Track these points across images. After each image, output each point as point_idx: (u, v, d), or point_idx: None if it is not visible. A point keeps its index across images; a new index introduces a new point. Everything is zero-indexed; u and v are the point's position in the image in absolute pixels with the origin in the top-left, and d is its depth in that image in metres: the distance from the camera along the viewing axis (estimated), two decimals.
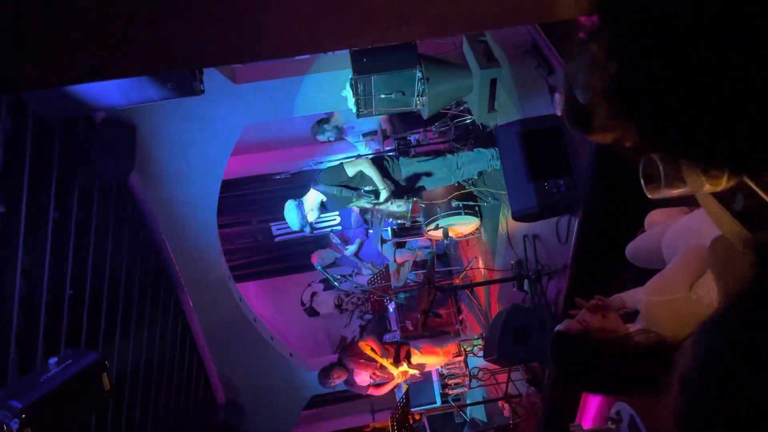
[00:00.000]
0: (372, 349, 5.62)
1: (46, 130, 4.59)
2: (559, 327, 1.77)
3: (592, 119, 0.90)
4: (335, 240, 8.61)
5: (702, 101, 0.72)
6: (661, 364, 1.48)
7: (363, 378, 5.62)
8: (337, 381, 5.58)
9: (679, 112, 0.74)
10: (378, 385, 5.71)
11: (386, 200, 4.80)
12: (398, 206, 4.92)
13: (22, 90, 3.72)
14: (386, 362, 5.64)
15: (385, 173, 4.84)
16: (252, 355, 7.52)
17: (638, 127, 0.81)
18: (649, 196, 1.08)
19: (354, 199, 4.87)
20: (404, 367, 5.76)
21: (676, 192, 0.99)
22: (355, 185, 4.80)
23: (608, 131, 0.92)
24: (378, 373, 5.64)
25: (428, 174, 5.00)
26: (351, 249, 8.43)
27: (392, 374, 5.69)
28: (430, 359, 5.94)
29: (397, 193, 4.92)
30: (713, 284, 1.67)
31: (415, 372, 5.85)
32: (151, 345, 6.08)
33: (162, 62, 1.97)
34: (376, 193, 4.82)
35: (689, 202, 2.06)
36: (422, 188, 5.08)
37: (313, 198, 4.82)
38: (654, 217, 2.62)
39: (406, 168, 4.96)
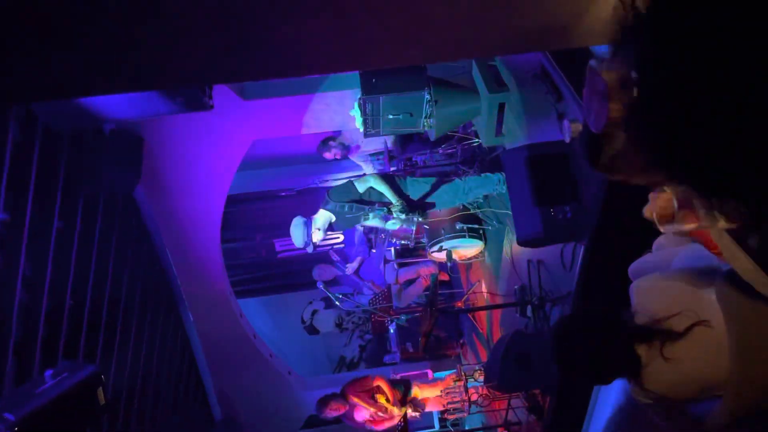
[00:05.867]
0: (380, 389, 5.57)
1: (54, 141, 4.61)
2: None
3: (605, 150, 0.88)
4: (335, 257, 8.57)
5: (741, 138, 0.67)
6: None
7: (362, 415, 5.55)
8: (334, 414, 5.49)
9: (710, 145, 0.69)
10: (375, 421, 5.65)
11: (401, 211, 4.80)
12: (409, 221, 4.91)
13: (33, 100, 3.74)
14: (391, 407, 5.59)
15: (395, 188, 4.87)
16: (251, 372, 7.45)
17: (659, 159, 0.75)
18: (661, 230, 1.06)
19: (364, 216, 4.87)
20: (407, 409, 5.73)
21: (688, 227, 0.96)
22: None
23: (620, 164, 0.88)
24: (379, 413, 5.58)
25: (434, 195, 5.02)
26: (351, 267, 8.39)
27: (393, 414, 5.63)
28: (432, 392, 5.88)
29: (408, 207, 4.92)
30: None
31: (416, 414, 5.81)
32: (149, 359, 6.03)
33: (174, 78, 1.97)
34: (389, 208, 4.83)
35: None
36: (432, 204, 5.08)
37: (322, 218, 4.84)
38: (662, 241, 2.59)
39: (413, 187, 4.98)
